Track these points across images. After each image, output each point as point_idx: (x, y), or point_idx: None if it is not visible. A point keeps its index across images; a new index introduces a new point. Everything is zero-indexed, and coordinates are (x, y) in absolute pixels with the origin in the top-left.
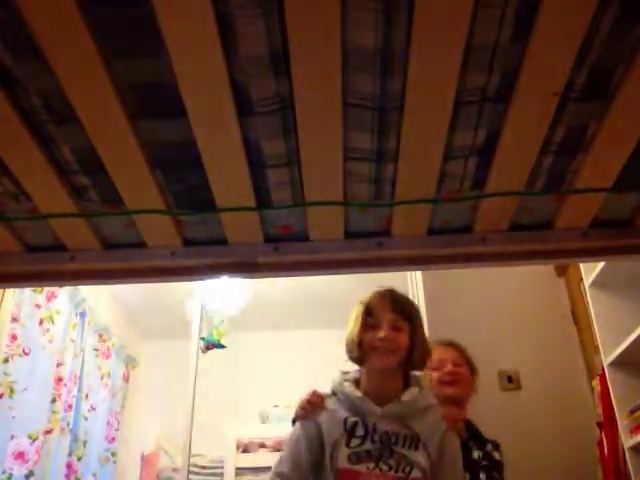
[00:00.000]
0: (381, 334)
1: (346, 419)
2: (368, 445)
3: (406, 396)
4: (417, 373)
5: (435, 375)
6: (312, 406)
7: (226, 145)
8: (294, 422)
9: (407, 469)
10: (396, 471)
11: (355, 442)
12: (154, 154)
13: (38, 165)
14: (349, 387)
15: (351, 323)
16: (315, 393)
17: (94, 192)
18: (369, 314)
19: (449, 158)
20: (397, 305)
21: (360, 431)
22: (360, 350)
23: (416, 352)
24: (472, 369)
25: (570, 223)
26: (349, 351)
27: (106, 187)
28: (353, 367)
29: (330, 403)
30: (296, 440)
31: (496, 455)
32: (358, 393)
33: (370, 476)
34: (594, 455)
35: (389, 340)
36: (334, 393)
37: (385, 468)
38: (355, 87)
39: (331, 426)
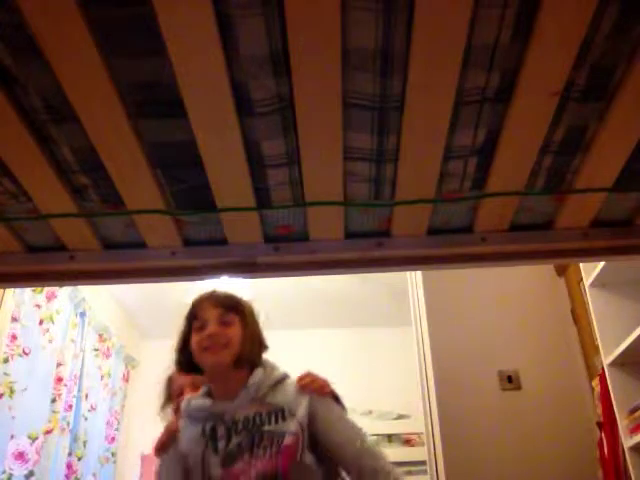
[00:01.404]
0: (208, 331)
1: (203, 429)
2: (235, 439)
3: (251, 379)
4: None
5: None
6: (167, 437)
7: (226, 145)
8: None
9: (280, 440)
10: (271, 448)
11: (222, 444)
12: (154, 154)
13: (38, 165)
14: (196, 400)
15: (178, 332)
16: (165, 428)
17: (94, 192)
18: (194, 317)
19: (449, 158)
20: (221, 300)
21: (221, 431)
22: (191, 355)
23: (250, 344)
24: None
25: (570, 223)
26: (179, 361)
27: (106, 187)
28: None
29: (185, 426)
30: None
31: None
32: (206, 400)
33: (249, 468)
34: (594, 455)
35: (218, 335)
36: (187, 417)
37: (261, 452)
38: (355, 87)
39: (191, 444)
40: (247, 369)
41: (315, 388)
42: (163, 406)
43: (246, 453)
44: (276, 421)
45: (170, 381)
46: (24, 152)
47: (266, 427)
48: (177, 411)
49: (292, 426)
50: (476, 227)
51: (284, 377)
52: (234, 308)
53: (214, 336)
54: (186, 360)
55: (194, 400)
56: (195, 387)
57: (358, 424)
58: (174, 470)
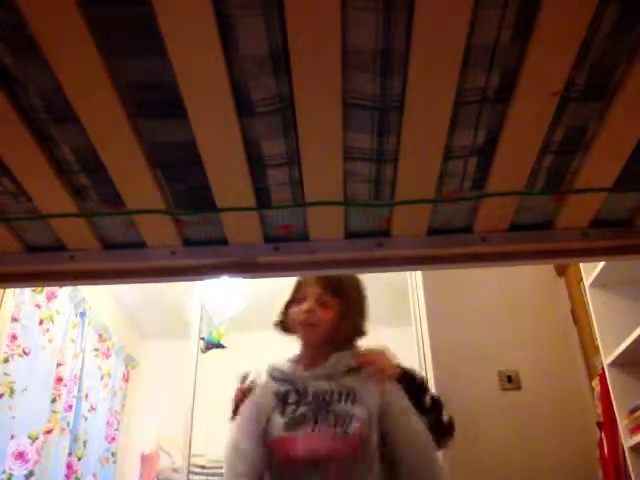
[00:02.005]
0: (304, 307)
1: (277, 390)
2: (302, 409)
3: (331, 359)
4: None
5: None
6: (243, 394)
7: (226, 145)
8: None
9: (346, 422)
10: (335, 426)
11: (290, 409)
12: (154, 154)
13: (38, 165)
14: (280, 361)
15: (284, 298)
16: (239, 387)
17: (94, 192)
18: (298, 289)
19: (449, 158)
20: (325, 280)
21: (292, 398)
22: (288, 322)
23: (343, 329)
24: None
25: (570, 223)
26: (278, 323)
27: (106, 187)
28: None
29: (262, 382)
30: (239, 431)
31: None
32: (287, 363)
33: (309, 438)
34: (594, 455)
35: (311, 312)
36: (269, 375)
37: (324, 427)
38: (355, 87)
39: (263, 400)
40: (335, 348)
41: (380, 378)
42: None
43: (309, 425)
44: (345, 401)
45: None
46: (24, 152)
47: (333, 406)
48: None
49: (359, 411)
50: (476, 227)
51: (358, 366)
52: (336, 291)
53: (308, 313)
54: (284, 324)
55: (278, 362)
56: None
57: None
58: (249, 424)
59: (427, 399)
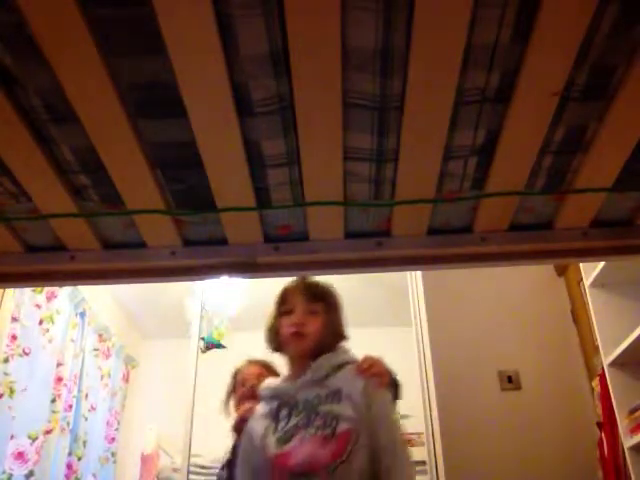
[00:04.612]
0: (294, 318)
1: (269, 410)
2: (294, 420)
3: (314, 363)
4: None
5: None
6: (243, 419)
7: (226, 145)
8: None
9: (333, 423)
10: (324, 429)
11: (282, 424)
12: (154, 154)
13: (38, 165)
14: (269, 381)
15: (269, 314)
16: (240, 412)
17: (94, 192)
18: (283, 302)
19: (449, 158)
20: (310, 289)
21: (284, 412)
22: (277, 338)
23: (328, 336)
24: None
25: (570, 223)
26: (268, 341)
27: (106, 187)
28: None
29: (259, 407)
30: (240, 470)
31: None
32: (276, 380)
33: (301, 447)
34: (594, 455)
35: (303, 324)
36: (261, 398)
37: (313, 431)
38: (355, 87)
39: (256, 424)
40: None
41: (373, 373)
42: (226, 399)
43: (301, 433)
44: (332, 401)
45: (237, 373)
46: (24, 152)
47: (322, 407)
48: (241, 400)
49: (348, 410)
50: (476, 227)
51: (347, 361)
52: (321, 297)
53: (299, 324)
54: (273, 339)
55: (268, 383)
56: (261, 377)
57: (400, 427)
58: (247, 461)
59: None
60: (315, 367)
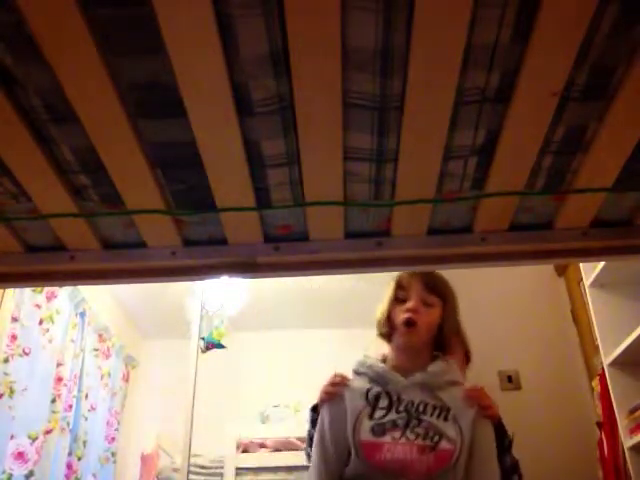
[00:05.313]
0: (409, 305)
1: (368, 390)
2: (393, 415)
3: (432, 367)
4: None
5: None
6: (335, 387)
7: (226, 145)
8: (314, 409)
9: (435, 438)
10: (424, 439)
11: (379, 413)
12: (154, 154)
13: (38, 165)
14: (373, 360)
15: (384, 299)
16: (337, 374)
17: (94, 192)
18: (400, 287)
19: (449, 158)
20: (429, 280)
21: (384, 402)
22: (388, 325)
23: (444, 332)
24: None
25: (570, 223)
26: (378, 327)
27: (106, 187)
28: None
29: (353, 379)
30: (321, 435)
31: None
32: (382, 364)
33: (395, 446)
34: (594, 455)
35: (415, 311)
36: (356, 372)
37: (412, 437)
38: (355, 87)
39: (354, 399)
40: (429, 355)
41: (483, 405)
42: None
43: (397, 432)
44: (438, 416)
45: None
46: (24, 152)
47: (426, 417)
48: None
49: (452, 431)
50: (476, 227)
51: (459, 381)
52: (439, 291)
53: (413, 310)
54: (384, 325)
55: (370, 359)
56: None
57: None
58: (337, 431)
59: (506, 442)
60: (431, 374)
